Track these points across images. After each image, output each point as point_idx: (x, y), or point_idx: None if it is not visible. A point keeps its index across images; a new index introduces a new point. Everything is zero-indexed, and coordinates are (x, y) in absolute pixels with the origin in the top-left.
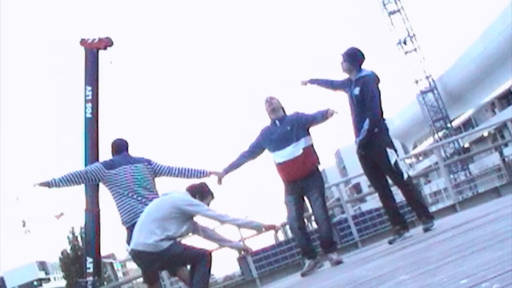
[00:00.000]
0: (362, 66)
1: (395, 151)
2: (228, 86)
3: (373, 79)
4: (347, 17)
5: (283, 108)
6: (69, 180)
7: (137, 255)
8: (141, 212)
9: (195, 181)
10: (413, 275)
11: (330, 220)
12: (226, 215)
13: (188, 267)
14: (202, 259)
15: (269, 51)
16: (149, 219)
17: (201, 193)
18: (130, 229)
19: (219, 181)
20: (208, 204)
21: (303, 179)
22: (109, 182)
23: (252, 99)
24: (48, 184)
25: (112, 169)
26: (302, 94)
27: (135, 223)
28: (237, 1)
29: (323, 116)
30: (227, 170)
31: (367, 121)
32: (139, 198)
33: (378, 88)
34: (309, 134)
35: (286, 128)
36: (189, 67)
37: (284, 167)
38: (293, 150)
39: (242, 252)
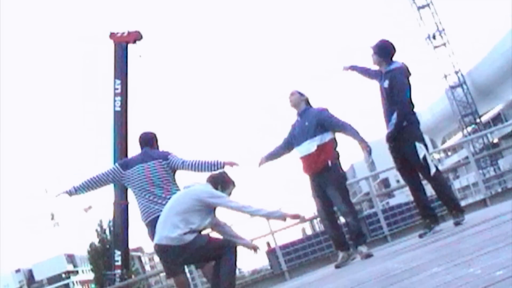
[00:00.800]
0: (394, 59)
1: (425, 145)
2: (259, 79)
3: (403, 72)
4: (376, 11)
5: (307, 100)
6: (89, 186)
7: (161, 250)
8: (154, 211)
9: (210, 173)
10: (446, 267)
11: (355, 212)
12: (249, 206)
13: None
14: (228, 251)
15: (299, 45)
16: (172, 213)
17: (223, 183)
18: (149, 226)
19: (259, 165)
20: (230, 193)
21: (318, 174)
22: (126, 182)
23: (281, 92)
24: (69, 193)
25: (127, 169)
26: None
27: (151, 220)
28: None
29: (355, 134)
30: (267, 158)
31: (395, 115)
32: (151, 198)
33: (408, 81)
34: (327, 131)
35: (304, 123)
36: (216, 60)
37: (302, 162)
38: (308, 147)
39: (251, 251)
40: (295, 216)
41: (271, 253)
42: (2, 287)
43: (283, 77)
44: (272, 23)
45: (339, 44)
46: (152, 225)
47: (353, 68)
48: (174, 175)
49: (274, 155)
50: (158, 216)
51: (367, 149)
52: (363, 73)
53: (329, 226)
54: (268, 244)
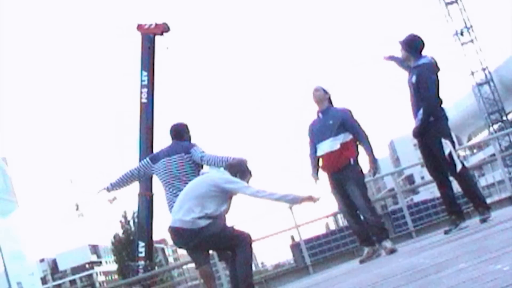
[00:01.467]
0: (423, 53)
1: (452, 141)
2: (287, 72)
3: (430, 67)
4: (403, 6)
5: (329, 99)
6: (124, 181)
7: (174, 232)
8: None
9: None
10: (473, 263)
11: (374, 208)
12: (263, 191)
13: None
14: (242, 242)
15: (327, 39)
16: (188, 197)
17: (240, 171)
18: None
19: (316, 182)
20: (247, 182)
21: (338, 172)
22: (155, 175)
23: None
24: (107, 189)
25: (156, 163)
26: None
27: None
28: None
29: (368, 149)
30: (315, 170)
31: (421, 110)
32: (174, 191)
33: (436, 76)
34: (348, 131)
35: (328, 122)
36: (242, 53)
37: (323, 159)
38: (331, 144)
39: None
40: (309, 199)
41: (295, 247)
42: (27, 276)
43: (310, 71)
44: (301, 15)
45: (366, 39)
46: None
47: (392, 58)
48: (197, 168)
49: (316, 163)
50: None
51: (373, 169)
52: (400, 65)
53: (352, 222)
54: (292, 237)
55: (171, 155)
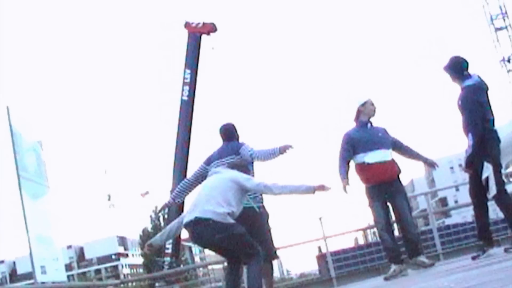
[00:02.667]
0: (470, 72)
1: (497, 165)
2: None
3: (474, 90)
4: (452, 29)
5: None
6: (184, 191)
7: (201, 223)
8: None
9: (273, 161)
10: None
11: (417, 225)
12: (275, 184)
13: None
14: (258, 253)
15: (371, 55)
16: (214, 192)
17: (242, 167)
18: None
19: (345, 190)
20: None
21: (389, 183)
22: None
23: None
24: (169, 204)
25: (209, 165)
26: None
27: None
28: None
29: (413, 151)
30: (346, 175)
31: (470, 136)
32: None
33: (483, 96)
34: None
35: (378, 134)
36: (284, 59)
37: (374, 168)
38: (384, 154)
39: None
40: (321, 187)
41: (321, 258)
42: (52, 260)
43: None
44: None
45: (411, 58)
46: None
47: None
48: (250, 166)
49: (348, 169)
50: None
51: (432, 162)
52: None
53: (387, 237)
54: (319, 248)
55: (223, 157)
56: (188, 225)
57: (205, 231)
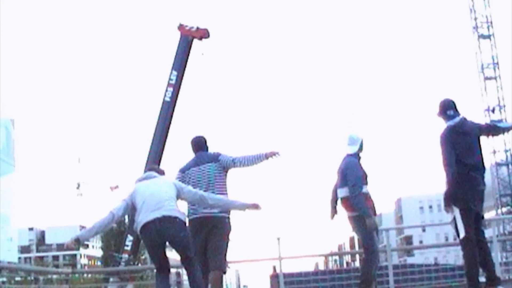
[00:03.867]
0: (456, 113)
1: (467, 209)
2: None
3: (444, 135)
4: (443, 72)
5: None
6: None
7: (168, 220)
8: (198, 211)
9: (258, 166)
10: None
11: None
12: (209, 195)
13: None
14: (194, 261)
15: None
16: (172, 193)
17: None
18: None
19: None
20: None
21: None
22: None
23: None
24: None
25: (184, 172)
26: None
27: (194, 218)
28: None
29: None
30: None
31: (445, 175)
32: None
33: (460, 138)
34: None
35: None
36: (271, 66)
37: (367, 199)
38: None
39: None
40: (254, 206)
41: (274, 278)
42: (5, 240)
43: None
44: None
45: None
46: (193, 224)
47: None
48: (226, 174)
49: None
50: (205, 217)
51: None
52: None
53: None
54: (274, 268)
55: (200, 164)
56: (153, 222)
57: (171, 228)
